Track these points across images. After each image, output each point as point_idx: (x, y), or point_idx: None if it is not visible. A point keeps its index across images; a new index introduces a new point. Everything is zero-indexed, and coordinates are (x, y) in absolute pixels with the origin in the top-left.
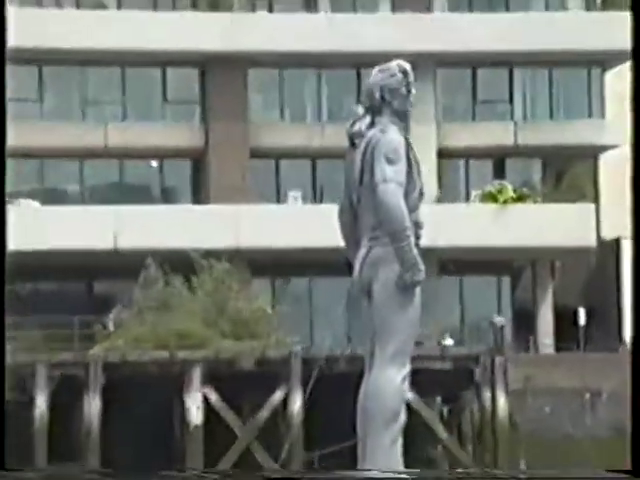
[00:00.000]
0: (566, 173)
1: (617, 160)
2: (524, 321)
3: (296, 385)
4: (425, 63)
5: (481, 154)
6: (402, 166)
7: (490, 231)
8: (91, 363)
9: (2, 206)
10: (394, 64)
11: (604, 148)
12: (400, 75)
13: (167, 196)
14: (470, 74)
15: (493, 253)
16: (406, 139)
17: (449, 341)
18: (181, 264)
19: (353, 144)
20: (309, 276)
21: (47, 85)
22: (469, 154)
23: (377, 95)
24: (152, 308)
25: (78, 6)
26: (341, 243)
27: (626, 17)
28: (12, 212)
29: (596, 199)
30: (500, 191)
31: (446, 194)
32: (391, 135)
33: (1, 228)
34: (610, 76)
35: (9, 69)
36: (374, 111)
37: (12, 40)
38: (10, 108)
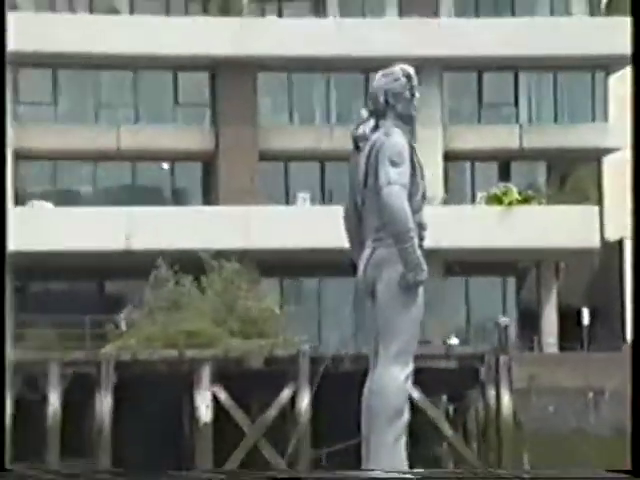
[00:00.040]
0: (570, 175)
1: (620, 163)
2: (529, 321)
3: (304, 384)
4: (432, 67)
5: (487, 157)
6: (406, 169)
7: (495, 233)
8: (103, 362)
9: (2, 206)
10: (398, 68)
11: (607, 151)
12: (404, 79)
13: (178, 198)
14: (476, 78)
15: (498, 254)
16: (409, 142)
17: (454, 340)
18: (191, 264)
19: (357, 147)
20: (317, 276)
21: (61, 89)
22: (475, 157)
23: (381, 99)
24: (163, 308)
25: (91, 11)
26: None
27: (629, 22)
28: (26, 213)
29: (600, 201)
30: (505, 193)
31: (452, 196)
32: (395, 138)
33: (1, 228)
34: (613, 80)
35: (24, 73)
36: (378, 115)
37: (27, 45)
38: (25, 111)
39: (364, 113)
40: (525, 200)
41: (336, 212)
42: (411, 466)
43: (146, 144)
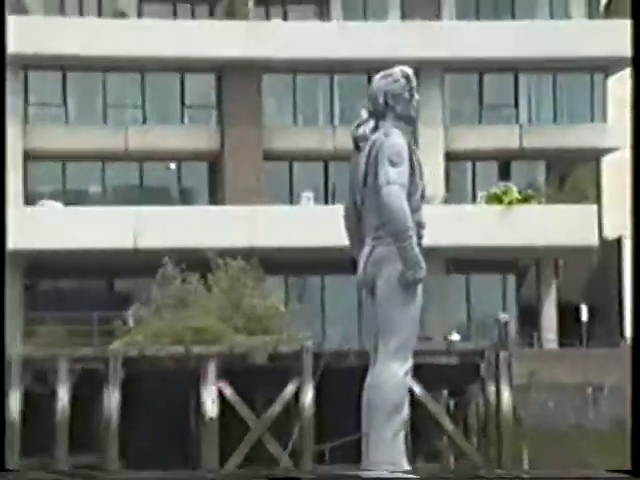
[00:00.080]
0: (569, 175)
1: (618, 162)
2: (529, 318)
3: (307, 379)
4: (433, 69)
5: (487, 156)
6: (405, 168)
7: (496, 231)
8: (111, 358)
9: (2, 206)
10: (397, 70)
11: (606, 151)
12: (403, 80)
13: (185, 197)
14: (477, 79)
15: (499, 252)
16: (408, 142)
17: (456, 337)
18: (198, 263)
19: (358, 147)
20: (321, 274)
21: (70, 90)
22: (475, 156)
23: (381, 100)
24: (170, 305)
25: (100, 15)
26: None
27: (627, 25)
28: (36, 213)
29: (598, 200)
30: (505, 192)
31: (453, 195)
32: (394, 139)
33: (1, 228)
34: (612, 81)
35: (34, 75)
36: (378, 115)
37: (37, 47)
38: (35, 112)
39: (364, 114)
40: (525, 199)
41: (339, 211)
42: (412, 460)
43: (153, 144)
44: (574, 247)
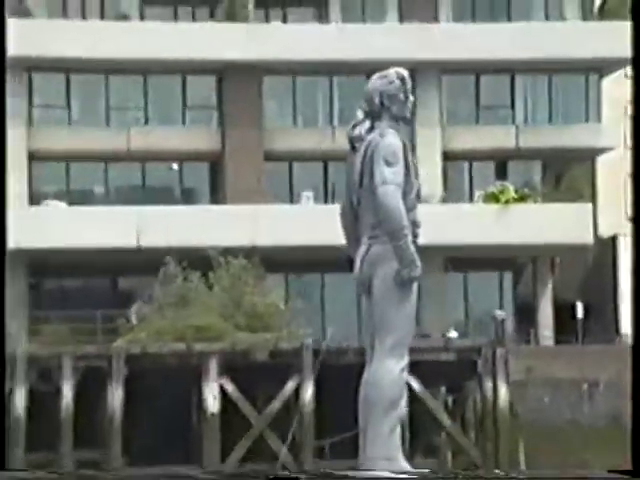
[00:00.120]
0: (565, 174)
1: (613, 162)
2: (525, 315)
3: (307, 376)
4: (430, 70)
5: (484, 156)
6: (400, 168)
7: (493, 230)
8: (114, 355)
9: (2, 206)
10: (392, 71)
11: (601, 151)
12: (398, 82)
13: (187, 197)
14: (473, 80)
15: (496, 250)
16: (403, 142)
17: (453, 334)
18: (199, 261)
19: (354, 147)
20: (321, 272)
21: (74, 92)
22: (473, 156)
23: (376, 101)
24: (172, 303)
25: (102, 18)
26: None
27: (621, 26)
28: (40, 212)
29: (593, 199)
30: (502, 192)
31: (451, 194)
32: (389, 139)
33: (1, 228)
34: (607, 82)
35: (38, 77)
36: (373, 116)
37: (40, 50)
38: (39, 114)
39: (360, 114)
40: (521, 198)
41: (338, 210)
42: (411, 455)
43: (156, 145)
44: (570, 245)
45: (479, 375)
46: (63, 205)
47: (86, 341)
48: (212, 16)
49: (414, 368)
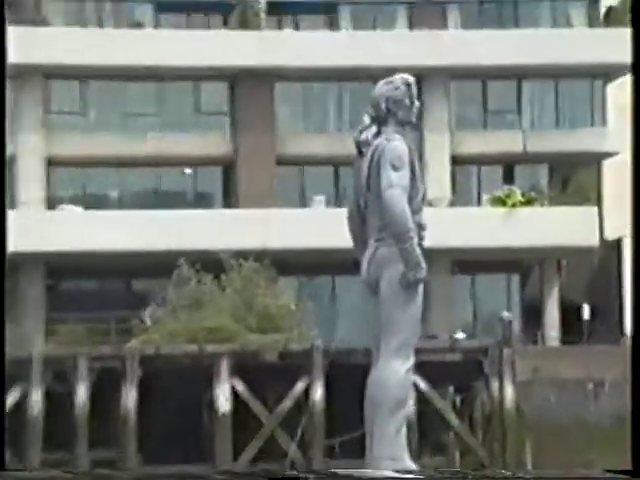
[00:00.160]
0: (571, 178)
1: (619, 166)
2: (532, 316)
3: (317, 376)
4: (439, 76)
5: (492, 161)
6: (406, 172)
7: (500, 233)
8: (128, 356)
9: (2, 207)
10: (398, 77)
11: (606, 155)
12: (404, 87)
13: (200, 201)
14: (481, 86)
15: (503, 253)
16: (409, 147)
17: (461, 335)
18: (212, 264)
19: (361, 152)
20: (332, 275)
21: (90, 99)
22: (480, 161)
23: (383, 106)
24: (185, 305)
25: (118, 26)
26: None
27: (626, 33)
28: (57, 217)
29: (599, 202)
30: (509, 195)
31: (459, 198)
32: (396, 144)
33: (1, 229)
34: (612, 88)
35: (55, 84)
36: (380, 121)
37: (57, 58)
38: (56, 120)
39: (366, 120)
40: (528, 202)
41: (346, 214)
42: (419, 454)
43: (170, 151)
44: (576, 248)
45: (486, 375)
46: (79, 209)
47: (101, 342)
48: (225, 24)
49: (422, 369)
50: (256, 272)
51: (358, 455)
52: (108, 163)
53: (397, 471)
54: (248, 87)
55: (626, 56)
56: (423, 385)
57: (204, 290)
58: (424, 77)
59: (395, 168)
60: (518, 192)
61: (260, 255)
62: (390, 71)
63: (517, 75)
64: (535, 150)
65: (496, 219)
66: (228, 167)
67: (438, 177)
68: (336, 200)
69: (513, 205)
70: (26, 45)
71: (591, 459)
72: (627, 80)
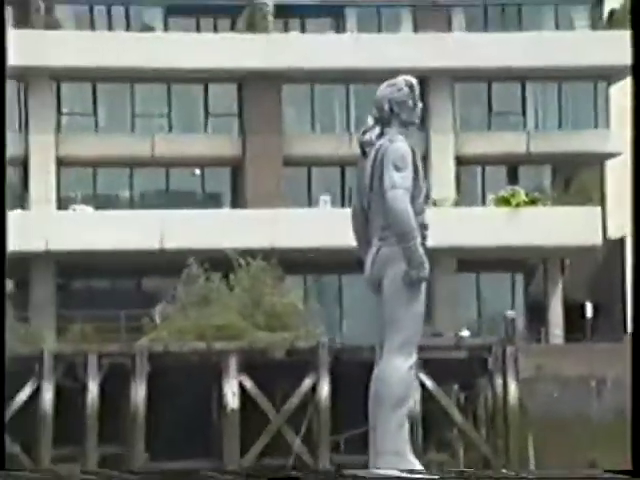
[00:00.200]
0: (574, 179)
1: (621, 166)
2: (536, 314)
3: (324, 373)
4: (444, 78)
5: (496, 161)
6: (409, 173)
7: (504, 232)
8: (137, 353)
9: (2, 207)
10: (401, 79)
11: (609, 155)
12: (407, 89)
13: (209, 201)
14: (485, 88)
15: (507, 252)
16: (412, 148)
17: (466, 333)
18: (220, 263)
19: (364, 153)
20: (338, 273)
21: (100, 100)
22: (485, 161)
23: (386, 107)
24: (194, 303)
25: (128, 29)
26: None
27: (628, 35)
28: (68, 216)
29: (602, 202)
30: (513, 195)
31: (464, 198)
32: (398, 144)
33: (1, 229)
34: (614, 90)
35: (66, 86)
36: (383, 122)
37: (68, 60)
38: (67, 122)
39: (370, 121)
40: (532, 202)
41: (349, 214)
42: (424, 450)
43: (179, 151)
44: (579, 247)
45: (490, 372)
46: (90, 209)
47: (111, 340)
48: (233, 26)
49: (427, 366)
50: (264, 271)
51: (363, 451)
52: (118, 163)
53: (402, 471)
54: (256, 89)
55: (629, 58)
56: (428, 382)
57: (213, 288)
58: (429, 79)
59: (398, 169)
60: (522, 192)
61: (268, 254)
62: (395, 73)
63: (521, 77)
64: (539, 151)
65: (500, 219)
66: (236, 168)
67: (443, 177)
68: (342, 200)
69: (517, 205)
70: (38, 48)
71: (594, 455)
72: (629, 82)
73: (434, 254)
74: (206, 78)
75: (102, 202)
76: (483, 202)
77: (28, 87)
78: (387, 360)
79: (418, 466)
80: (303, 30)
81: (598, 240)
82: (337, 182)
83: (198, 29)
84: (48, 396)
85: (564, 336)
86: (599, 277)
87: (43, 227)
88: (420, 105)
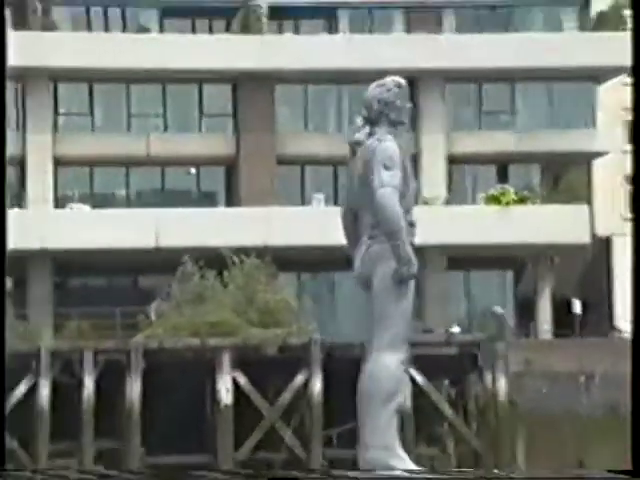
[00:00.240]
0: (563, 177)
1: (609, 165)
2: (525, 310)
3: (316, 370)
4: (435, 79)
5: (486, 160)
6: (397, 172)
7: (494, 230)
8: (132, 349)
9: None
10: (390, 79)
11: (597, 155)
12: (396, 89)
13: (203, 200)
14: (476, 88)
15: (497, 250)
16: (401, 147)
17: (456, 329)
18: (215, 260)
19: (354, 152)
20: (331, 271)
21: (97, 101)
22: (475, 160)
23: (375, 107)
24: (188, 300)
25: (124, 30)
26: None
27: (616, 37)
28: (65, 215)
29: (590, 201)
30: (503, 194)
31: (454, 196)
32: (387, 144)
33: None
34: (602, 90)
35: (63, 87)
36: (372, 122)
37: (65, 61)
38: (64, 122)
39: (359, 121)
40: (521, 200)
41: (339, 212)
42: (415, 444)
43: (174, 151)
44: (567, 245)
45: (479, 368)
46: (87, 208)
47: (107, 336)
48: (228, 28)
49: (418, 362)
50: (257, 268)
51: (355, 445)
52: (114, 163)
53: (406, 471)
54: (250, 89)
55: (616, 59)
56: (419, 378)
57: (207, 286)
58: (421, 80)
59: (387, 168)
60: (512, 191)
61: (262, 252)
62: (387, 74)
63: (511, 78)
64: (528, 150)
65: (490, 217)
66: (231, 167)
67: (434, 176)
68: (335, 198)
69: (507, 203)
70: (35, 49)
71: (582, 449)
72: (617, 82)
73: (425, 252)
74: (201, 78)
75: (99, 201)
76: (473, 200)
77: (25, 88)
78: (376, 356)
79: (407, 460)
80: (296, 31)
81: (586, 238)
82: (330, 181)
83: (193, 30)
84: (45, 392)
85: (553, 332)
86: (587, 274)
87: (40, 226)
88: (409, 105)
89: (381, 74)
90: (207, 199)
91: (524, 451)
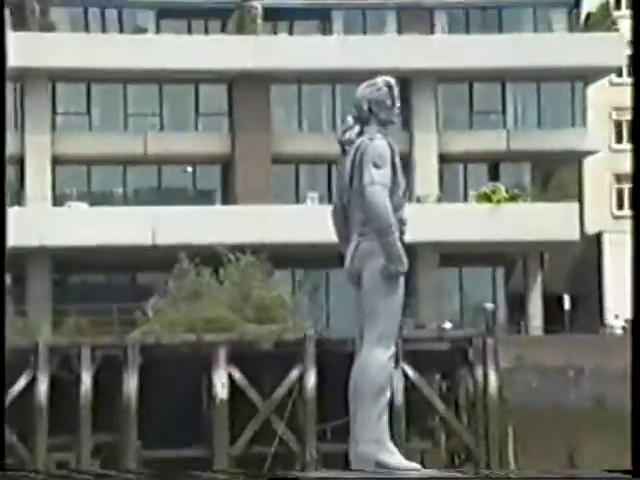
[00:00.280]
0: (553, 176)
1: (598, 164)
2: (516, 306)
3: (310, 365)
4: (427, 79)
5: (477, 159)
6: (387, 170)
7: (486, 227)
8: (129, 345)
9: (2, 206)
10: (380, 80)
11: (586, 153)
12: (385, 89)
13: (200, 198)
14: (467, 88)
15: (488, 247)
16: (390, 146)
17: (448, 325)
18: (211, 258)
19: (344, 151)
20: (325, 268)
21: (94, 100)
22: (467, 159)
23: (365, 107)
24: (185, 297)
25: (121, 31)
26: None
27: (605, 37)
28: (64, 213)
29: (580, 198)
30: (494, 192)
31: (446, 195)
32: (377, 142)
33: (1, 226)
34: (591, 89)
35: (61, 87)
36: (363, 121)
37: (63, 61)
38: (62, 121)
39: (350, 120)
40: (512, 198)
41: (330, 210)
42: (407, 438)
43: (171, 149)
44: (558, 242)
45: (470, 363)
46: (85, 206)
47: (105, 332)
48: (223, 29)
49: (410, 357)
50: (253, 265)
51: (348, 439)
52: (112, 161)
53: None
54: (245, 89)
55: (605, 59)
56: (411, 373)
57: (203, 283)
58: (413, 80)
59: (377, 166)
60: (503, 189)
61: (257, 249)
62: (381, 74)
63: (501, 77)
64: (518, 148)
65: (482, 215)
66: (226, 165)
67: (426, 175)
68: (329, 197)
69: (498, 201)
70: (34, 50)
71: (571, 442)
72: (606, 82)
73: (418, 249)
74: (197, 78)
75: (96, 199)
76: (465, 198)
77: (24, 88)
78: (367, 351)
79: (397, 454)
80: (291, 32)
81: (576, 235)
82: (324, 179)
83: (189, 31)
84: (43, 387)
85: (543, 327)
86: (577, 271)
87: (39, 223)
88: (398, 105)
89: (374, 74)
90: (203, 197)
91: (514, 444)
